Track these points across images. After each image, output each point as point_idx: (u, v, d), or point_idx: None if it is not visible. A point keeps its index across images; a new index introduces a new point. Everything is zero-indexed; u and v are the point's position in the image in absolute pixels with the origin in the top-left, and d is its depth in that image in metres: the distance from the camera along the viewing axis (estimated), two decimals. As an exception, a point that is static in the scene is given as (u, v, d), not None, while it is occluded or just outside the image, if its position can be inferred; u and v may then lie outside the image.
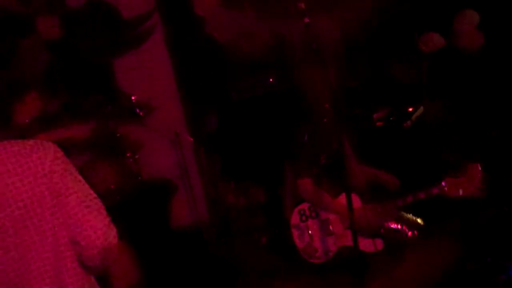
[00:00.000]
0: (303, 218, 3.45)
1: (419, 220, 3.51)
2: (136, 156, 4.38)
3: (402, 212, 3.49)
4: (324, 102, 4.33)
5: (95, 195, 2.13)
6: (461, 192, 3.17)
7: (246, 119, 4.84)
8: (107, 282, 3.81)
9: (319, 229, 3.45)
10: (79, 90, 4.54)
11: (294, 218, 3.46)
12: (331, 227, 3.45)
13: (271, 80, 4.81)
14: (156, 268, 3.95)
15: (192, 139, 4.75)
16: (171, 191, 4.44)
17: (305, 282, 3.83)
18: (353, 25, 4.77)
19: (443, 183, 3.19)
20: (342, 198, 3.27)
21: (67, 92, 4.51)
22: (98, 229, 2.06)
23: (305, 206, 3.46)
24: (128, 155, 4.35)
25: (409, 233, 3.44)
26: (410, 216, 3.51)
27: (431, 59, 4.62)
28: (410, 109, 4.35)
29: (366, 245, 3.37)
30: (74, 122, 4.38)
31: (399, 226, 3.47)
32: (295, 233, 3.46)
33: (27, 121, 3.94)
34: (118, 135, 4.39)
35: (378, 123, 4.34)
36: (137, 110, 4.49)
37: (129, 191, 4.19)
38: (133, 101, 4.52)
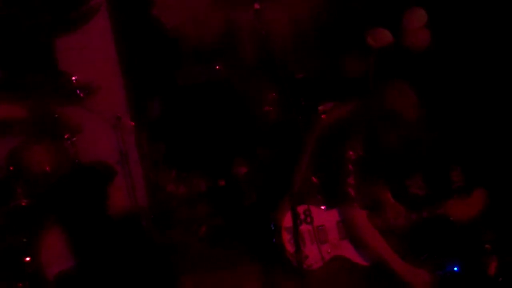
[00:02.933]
0: (297, 222, 3.35)
1: None
2: (74, 139, 4.23)
3: None
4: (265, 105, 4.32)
5: None
6: (464, 216, 3.20)
7: (190, 106, 4.75)
8: (39, 269, 3.69)
9: (312, 235, 3.38)
10: (18, 68, 4.36)
11: (287, 221, 3.33)
12: (326, 235, 3.39)
13: (217, 67, 4.73)
14: (91, 255, 3.83)
15: (134, 124, 4.63)
16: (110, 176, 4.31)
17: (242, 272, 3.80)
18: (304, 16, 4.76)
19: (448, 204, 3.22)
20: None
21: (4, 69, 4.32)
22: None
23: (300, 209, 3.34)
24: (66, 137, 4.19)
25: None
26: None
27: (379, 55, 4.63)
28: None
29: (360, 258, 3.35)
30: (11, 101, 4.22)
31: None
32: (286, 236, 3.35)
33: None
34: (56, 116, 4.22)
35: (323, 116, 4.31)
36: (78, 91, 4.33)
37: (65, 174, 4.04)
38: (74, 81, 4.36)
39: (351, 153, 3.32)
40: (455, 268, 3.29)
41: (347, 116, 3.52)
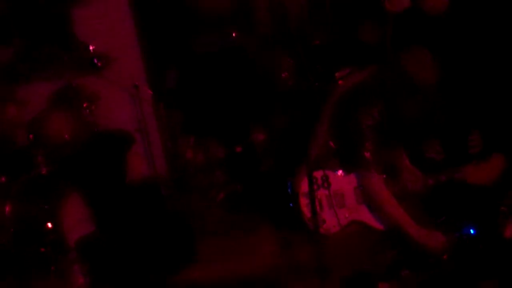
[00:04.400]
0: (315, 187, 3.31)
1: None
2: (93, 108, 4.27)
3: None
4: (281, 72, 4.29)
5: None
6: (481, 180, 3.20)
7: (207, 74, 4.76)
8: (61, 235, 3.76)
9: (330, 200, 3.39)
10: (35, 39, 4.39)
11: (304, 186, 3.30)
12: (343, 200, 3.41)
13: (234, 35, 4.73)
14: (110, 221, 3.89)
15: (151, 93, 4.66)
16: (128, 143, 4.35)
17: (260, 236, 3.84)
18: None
19: (466, 168, 3.22)
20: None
21: (22, 41, 4.36)
22: None
23: (317, 174, 3.35)
24: (84, 106, 4.24)
25: None
26: None
27: (396, 19, 4.57)
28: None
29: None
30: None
31: None
32: (304, 201, 3.34)
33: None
34: (74, 85, 4.26)
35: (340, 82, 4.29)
36: (95, 61, 4.37)
37: (84, 142, 4.10)
38: (91, 51, 4.40)
39: (367, 118, 3.31)
40: (472, 231, 3.29)
41: (364, 82, 3.50)
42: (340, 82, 4.02)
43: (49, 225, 3.69)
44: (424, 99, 3.43)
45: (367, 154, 3.31)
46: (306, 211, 3.34)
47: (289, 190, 3.47)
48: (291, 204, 3.43)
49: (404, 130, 3.41)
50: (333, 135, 3.51)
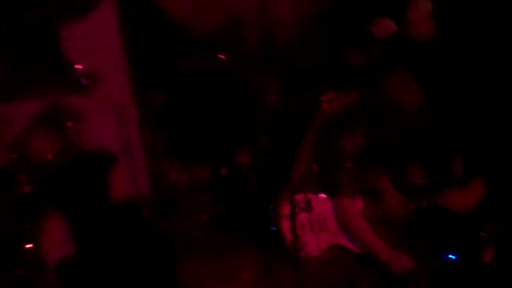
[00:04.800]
0: (297, 210, 3.31)
1: None
2: (78, 127, 4.26)
3: None
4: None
5: None
6: (462, 206, 3.21)
7: (193, 95, 4.76)
8: (40, 256, 3.72)
9: (312, 223, 3.39)
10: (21, 57, 4.39)
11: (286, 209, 3.33)
12: (325, 223, 3.40)
13: (221, 57, 4.74)
14: (92, 242, 3.86)
15: (137, 113, 4.65)
16: (112, 164, 4.34)
17: (242, 259, 3.82)
18: (307, 6, 4.75)
19: (447, 194, 3.22)
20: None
21: (9, 59, 4.35)
22: None
23: (300, 197, 3.36)
24: (69, 125, 4.22)
25: None
26: None
27: (383, 45, 4.61)
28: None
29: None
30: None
31: None
32: (285, 224, 3.34)
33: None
34: (59, 104, 4.25)
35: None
36: (81, 80, 4.36)
37: (68, 162, 4.07)
38: (78, 70, 4.39)
39: (350, 144, 3.32)
40: (452, 256, 3.30)
41: (348, 106, 3.51)
42: (324, 106, 4.03)
43: (29, 245, 3.66)
44: (407, 123, 3.45)
45: (344, 179, 3.32)
46: (287, 234, 3.33)
47: (271, 213, 3.47)
48: (273, 227, 3.43)
49: (387, 154, 3.42)
50: (315, 159, 3.51)
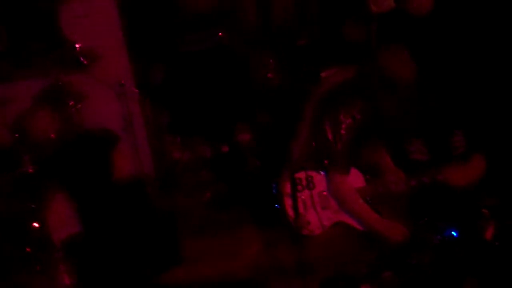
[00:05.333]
0: (299, 188, 3.36)
1: None
2: (79, 106, 4.28)
3: None
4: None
5: None
6: (463, 181, 3.24)
7: (193, 73, 4.77)
8: (47, 234, 3.77)
9: (314, 201, 3.41)
10: (21, 36, 4.38)
11: (288, 187, 3.33)
12: (327, 201, 3.43)
13: (220, 34, 4.74)
14: (97, 220, 3.91)
15: (138, 91, 4.66)
16: (114, 142, 4.36)
17: (244, 237, 3.87)
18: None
19: (447, 170, 3.25)
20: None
21: (7, 38, 4.34)
22: None
23: (301, 175, 3.37)
24: (70, 104, 4.24)
25: None
26: None
27: (380, 20, 4.61)
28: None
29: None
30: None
31: None
32: (288, 202, 3.35)
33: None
34: (60, 83, 4.26)
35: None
36: (81, 59, 4.37)
37: (70, 141, 4.10)
38: (77, 49, 4.39)
39: (347, 117, 3.35)
40: (453, 233, 3.34)
41: (345, 81, 3.54)
42: (323, 81, 4.05)
43: (35, 224, 3.70)
44: (403, 98, 3.47)
45: (339, 153, 3.35)
46: (290, 212, 3.37)
47: (274, 191, 3.50)
48: (276, 205, 3.46)
49: (386, 130, 3.44)
50: (313, 135, 3.53)
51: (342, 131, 3.33)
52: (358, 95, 3.37)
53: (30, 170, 3.87)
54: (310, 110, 3.59)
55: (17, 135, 4.04)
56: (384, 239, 3.32)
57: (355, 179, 3.42)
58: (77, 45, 4.39)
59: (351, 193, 3.37)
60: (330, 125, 3.37)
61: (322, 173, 3.47)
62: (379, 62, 3.41)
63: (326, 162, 3.39)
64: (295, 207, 3.21)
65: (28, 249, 3.64)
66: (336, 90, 3.53)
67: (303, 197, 3.37)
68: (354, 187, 3.39)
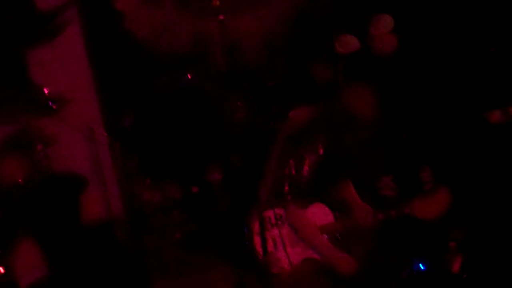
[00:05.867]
0: (268, 226, 3.38)
1: None
2: (47, 150, 4.25)
3: None
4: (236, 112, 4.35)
5: None
6: (429, 214, 3.28)
7: (162, 115, 4.79)
8: (13, 279, 3.70)
9: (284, 238, 3.42)
10: (-11, 81, 4.38)
11: (257, 225, 3.37)
12: (296, 238, 3.44)
13: (189, 76, 4.79)
14: (64, 264, 3.85)
15: (107, 135, 4.65)
16: (82, 186, 4.34)
17: (216, 276, 3.84)
18: (272, 24, 4.83)
19: (413, 203, 3.29)
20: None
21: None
22: None
23: (270, 213, 3.41)
24: (38, 148, 4.22)
25: None
26: None
27: (347, 60, 4.70)
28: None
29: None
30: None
31: None
32: (257, 240, 3.38)
33: None
34: (28, 128, 4.24)
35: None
36: (50, 103, 4.36)
37: (38, 185, 4.07)
38: (46, 94, 4.40)
39: (310, 153, 3.40)
40: (421, 266, 3.37)
41: (309, 119, 3.60)
42: (287, 120, 4.10)
43: (1, 269, 3.64)
44: (366, 134, 3.54)
45: (302, 188, 3.39)
46: (259, 250, 3.37)
47: (245, 230, 3.51)
48: (246, 243, 3.46)
49: (352, 166, 3.49)
50: (279, 172, 3.57)
51: (305, 167, 3.38)
52: (321, 132, 3.42)
53: (-3, 215, 3.82)
54: (276, 148, 3.63)
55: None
56: (335, 269, 3.33)
57: (323, 216, 3.45)
58: (46, 90, 4.39)
59: (305, 222, 3.40)
60: (294, 161, 3.42)
61: None
62: (341, 100, 3.48)
63: (289, 197, 3.43)
64: (264, 246, 3.22)
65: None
66: (300, 127, 3.58)
67: (272, 235, 3.38)
68: (322, 224, 3.41)
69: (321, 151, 3.40)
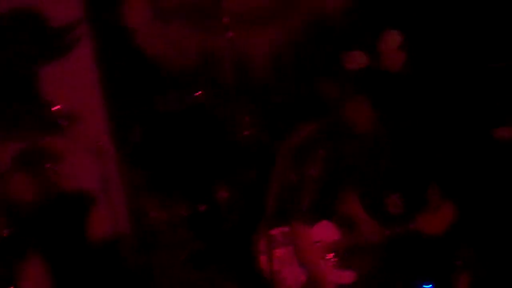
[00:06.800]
0: (275, 244, 3.37)
1: None
2: (57, 168, 4.28)
3: None
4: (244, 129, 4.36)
5: None
6: (435, 229, 3.27)
7: (171, 132, 4.81)
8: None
9: (290, 257, 3.40)
10: (1, 99, 4.42)
11: (263, 244, 3.37)
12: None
13: (197, 93, 4.80)
14: (72, 282, 3.86)
15: (116, 151, 4.67)
16: (90, 203, 4.35)
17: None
18: (281, 41, 4.85)
19: (418, 219, 3.28)
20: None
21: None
22: None
23: (276, 232, 3.42)
24: (47, 166, 4.24)
25: None
26: None
27: (356, 77, 4.70)
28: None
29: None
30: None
31: None
32: (264, 259, 3.38)
33: None
34: (38, 146, 4.27)
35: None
36: (59, 121, 4.39)
37: (47, 203, 4.08)
38: (56, 111, 4.43)
39: (311, 169, 3.40)
40: (428, 286, 3.34)
41: (311, 134, 3.60)
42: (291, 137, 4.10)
43: (10, 288, 3.65)
44: (368, 149, 3.54)
45: (303, 206, 3.38)
46: (266, 269, 3.36)
47: (252, 248, 3.51)
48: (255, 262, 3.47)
49: (357, 182, 3.48)
50: (283, 188, 3.57)
51: (308, 183, 3.37)
52: (324, 147, 3.42)
53: (5, 234, 3.83)
54: (280, 166, 3.64)
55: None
56: None
57: (328, 232, 3.44)
58: (55, 107, 4.42)
59: (308, 244, 3.39)
60: (297, 178, 3.41)
61: None
62: (343, 114, 3.49)
63: (294, 215, 3.42)
64: (270, 264, 3.21)
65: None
66: (302, 143, 3.59)
67: (278, 253, 3.37)
68: (329, 242, 3.40)
69: (324, 166, 3.40)
